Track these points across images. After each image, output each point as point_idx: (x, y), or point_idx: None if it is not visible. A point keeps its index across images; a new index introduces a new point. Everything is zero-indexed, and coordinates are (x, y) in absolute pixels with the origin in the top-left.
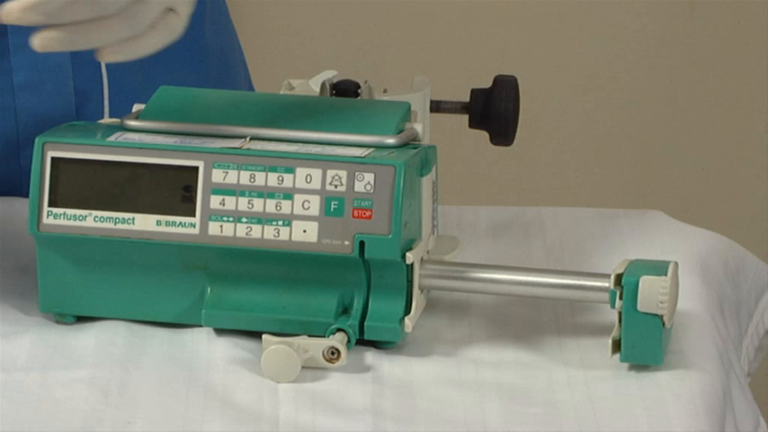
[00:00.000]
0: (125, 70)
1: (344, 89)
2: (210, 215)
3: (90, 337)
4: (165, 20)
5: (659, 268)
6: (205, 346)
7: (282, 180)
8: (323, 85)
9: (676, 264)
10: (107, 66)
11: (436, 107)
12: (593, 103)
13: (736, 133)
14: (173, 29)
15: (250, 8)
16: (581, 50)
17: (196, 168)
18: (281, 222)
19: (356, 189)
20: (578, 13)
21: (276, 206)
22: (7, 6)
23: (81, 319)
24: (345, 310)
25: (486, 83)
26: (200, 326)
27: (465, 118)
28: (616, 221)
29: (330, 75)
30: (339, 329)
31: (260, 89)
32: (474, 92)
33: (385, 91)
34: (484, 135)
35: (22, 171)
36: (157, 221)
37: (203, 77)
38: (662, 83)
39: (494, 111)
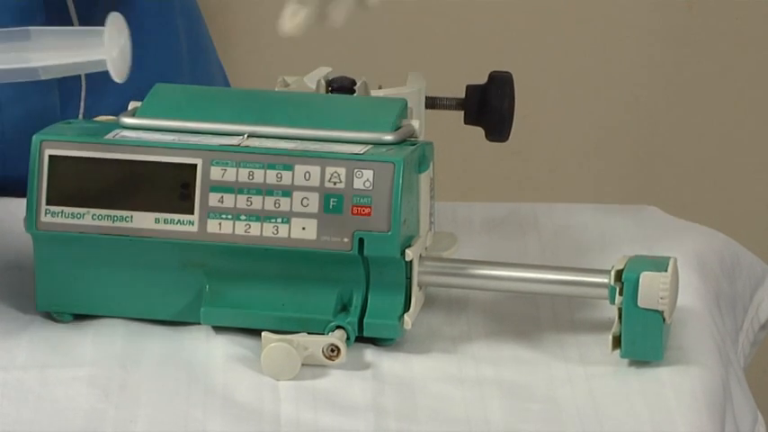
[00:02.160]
0: None
1: (340, 86)
2: (209, 213)
3: (88, 336)
4: None
5: (659, 264)
6: (204, 344)
7: (281, 177)
8: (319, 81)
9: (676, 260)
10: None
11: (431, 104)
12: (588, 99)
13: (731, 129)
14: None
15: (243, 4)
16: (577, 46)
17: (194, 166)
18: (279, 220)
19: (355, 186)
20: (574, 9)
21: (275, 203)
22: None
23: (78, 317)
24: (344, 308)
25: (482, 79)
26: (199, 324)
27: (460, 114)
28: (611, 217)
29: (325, 71)
30: (338, 326)
31: (255, 86)
32: (469, 88)
33: (380, 87)
34: (479, 131)
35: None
36: (156, 219)
37: (176, 58)
38: (658, 79)
39: (489, 107)
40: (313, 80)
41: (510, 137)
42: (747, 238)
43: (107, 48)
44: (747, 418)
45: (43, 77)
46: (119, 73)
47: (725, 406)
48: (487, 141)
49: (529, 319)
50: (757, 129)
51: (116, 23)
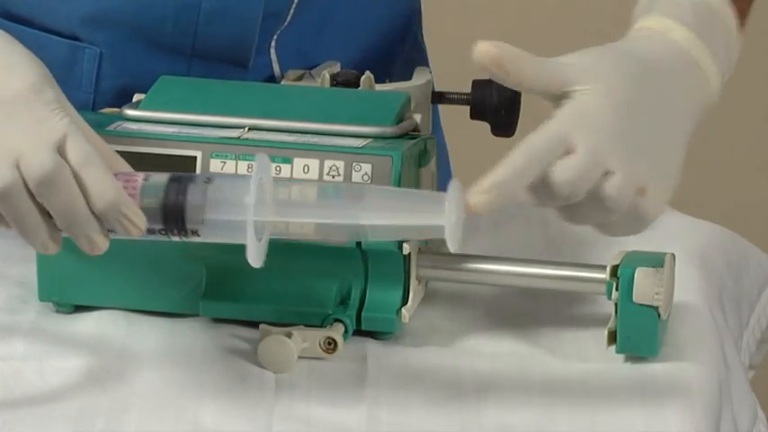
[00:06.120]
0: None
1: (345, 80)
2: None
3: (88, 327)
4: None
5: (655, 260)
6: (202, 336)
7: (280, 170)
8: (323, 75)
9: (673, 255)
10: None
11: (438, 98)
12: None
13: (737, 125)
14: (641, 215)
15: None
16: (583, 42)
17: (194, 158)
18: None
19: (353, 179)
20: (580, 5)
21: None
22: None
23: (79, 308)
24: (343, 301)
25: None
26: (198, 315)
27: (467, 109)
28: None
29: (332, 66)
30: (336, 320)
31: None
32: (475, 83)
33: (386, 81)
34: (485, 126)
35: None
36: None
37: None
38: None
39: (494, 102)
40: (319, 74)
41: (516, 132)
42: (758, 236)
43: (447, 214)
44: (746, 417)
45: (371, 237)
46: (454, 241)
47: (722, 402)
48: (493, 136)
49: (529, 314)
50: (763, 123)
51: (457, 191)
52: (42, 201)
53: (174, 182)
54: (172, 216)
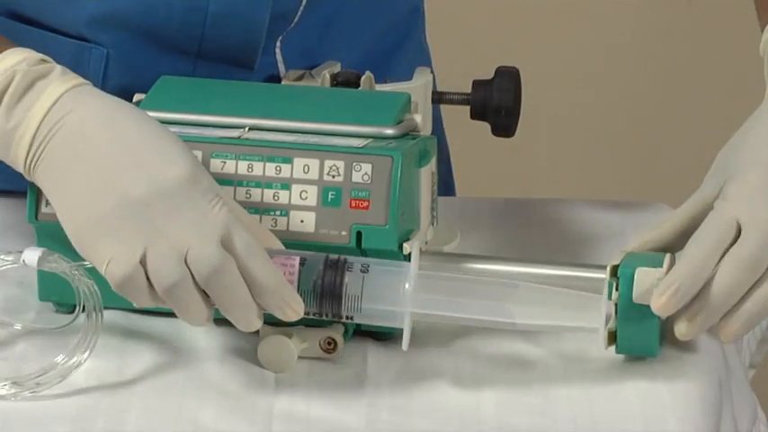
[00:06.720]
0: None
1: (345, 80)
2: None
3: None
4: None
5: (655, 260)
6: (202, 336)
7: (280, 170)
8: (323, 75)
9: (672, 255)
10: None
11: (438, 98)
12: (595, 94)
13: (738, 124)
14: None
15: None
16: (583, 42)
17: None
18: (278, 212)
19: (353, 179)
20: (580, 5)
21: (274, 196)
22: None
23: None
24: None
25: (490, 74)
26: None
27: (467, 109)
28: (619, 213)
29: (333, 66)
30: None
31: None
32: (475, 83)
33: (386, 81)
34: (486, 126)
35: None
36: None
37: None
38: (664, 74)
39: (495, 102)
40: (319, 74)
41: (516, 132)
42: None
43: (601, 315)
44: (747, 417)
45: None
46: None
47: (722, 402)
48: (493, 136)
49: None
50: None
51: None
52: (207, 291)
53: (331, 269)
54: (329, 303)
